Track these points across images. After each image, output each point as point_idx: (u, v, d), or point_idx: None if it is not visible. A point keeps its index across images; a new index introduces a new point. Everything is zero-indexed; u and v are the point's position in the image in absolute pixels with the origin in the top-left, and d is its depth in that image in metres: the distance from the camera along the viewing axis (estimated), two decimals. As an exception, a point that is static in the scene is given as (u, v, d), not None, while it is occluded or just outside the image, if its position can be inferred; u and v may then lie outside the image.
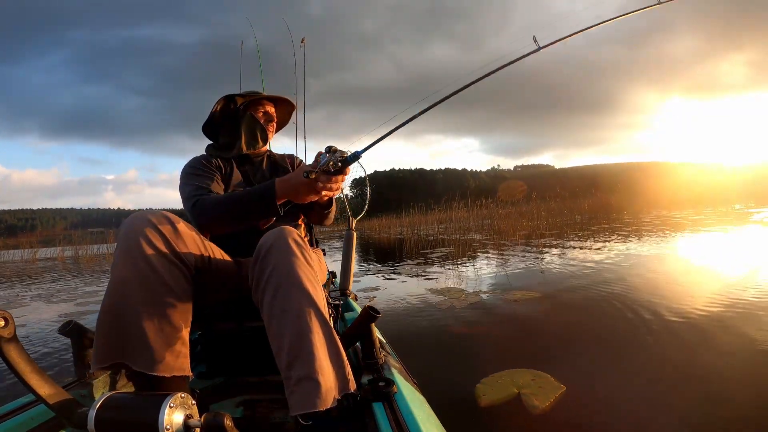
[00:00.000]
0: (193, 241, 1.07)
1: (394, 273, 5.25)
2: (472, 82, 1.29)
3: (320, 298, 0.99)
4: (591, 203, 14.56)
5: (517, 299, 3.06)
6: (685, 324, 2.16)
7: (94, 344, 0.92)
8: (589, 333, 2.22)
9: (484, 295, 3.32)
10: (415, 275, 4.85)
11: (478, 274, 4.51)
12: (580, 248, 5.78)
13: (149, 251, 0.95)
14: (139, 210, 1.07)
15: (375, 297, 3.80)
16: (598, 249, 5.46)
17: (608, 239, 6.53)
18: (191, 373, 0.99)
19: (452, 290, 3.68)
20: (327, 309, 1.00)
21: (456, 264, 5.49)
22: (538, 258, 5.27)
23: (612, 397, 1.47)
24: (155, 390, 0.91)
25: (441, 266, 5.42)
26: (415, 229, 16.61)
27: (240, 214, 1.20)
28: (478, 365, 1.80)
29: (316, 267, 1.07)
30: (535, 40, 1.36)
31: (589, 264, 4.34)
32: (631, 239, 6.18)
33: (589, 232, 8.21)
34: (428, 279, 4.47)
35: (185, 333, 0.99)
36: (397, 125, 1.26)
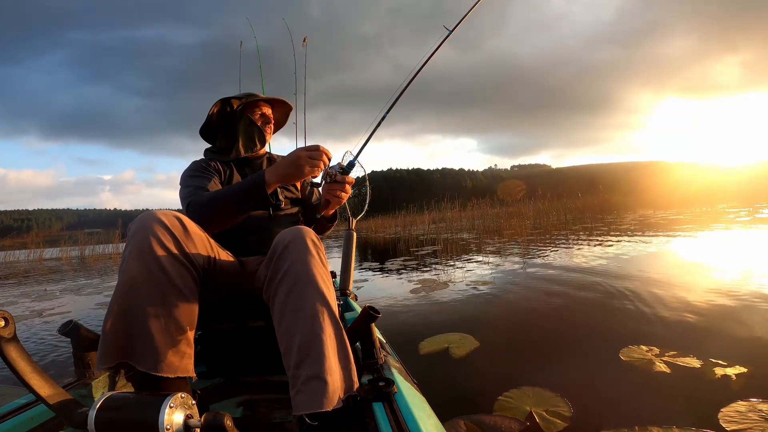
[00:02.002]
0: (201, 242, 1.07)
1: (383, 267, 5.87)
2: (415, 75, 1.47)
3: (333, 299, 0.99)
4: (579, 204, 15.03)
5: (476, 286, 3.75)
6: (588, 305, 2.82)
7: (100, 343, 0.91)
8: (514, 308, 2.93)
9: (450, 283, 4.04)
10: (400, 269, 5.52)
11: (454, 267, 5.17)
12: (551, 247, 6.33)
13: (160, 252, 0.95)
14: (147, 210, 1.06)
15: (362, 287, 4.31)
16: (566, 248, 6.05)
17: (581, 239, 7.07)
18: (194, 374, 0.99)
19: (427, 280, 4.35)
20: (338, 310, 1.00)
21: (438, 260, 6.14)
22: (510, 255, 5.91)
23: (510, 348, 2.14)
24: (157, 390, 0.91)
25: (424, 261, 6.09)
26: (409, 229, 16.94)
27: (233, 207, 1.19)
28: (426, 329, 2.45)
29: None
30: (446, 27, 1.57)
31: (547, 260, 5.02)
32: (599, 239, 6.75)
33: (569, 231, 8.75)
34: (410, 272, 5.16)
35: (190, 334, 0.99)
36: (378, 122, 1.39)
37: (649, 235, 6.48)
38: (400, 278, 4.70)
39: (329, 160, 1.16)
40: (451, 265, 5.32)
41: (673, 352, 1.82)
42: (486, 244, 7.72)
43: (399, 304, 3.28)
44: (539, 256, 5.34)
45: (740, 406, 1.34)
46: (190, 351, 0.98)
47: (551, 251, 5.76)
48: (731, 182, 16.33)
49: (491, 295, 3.34)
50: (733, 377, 1.57)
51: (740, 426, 1.24)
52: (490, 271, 4.58)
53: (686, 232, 6.48)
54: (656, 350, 1.86)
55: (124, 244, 1.01)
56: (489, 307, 2.98)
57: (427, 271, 5.07)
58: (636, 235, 6.64)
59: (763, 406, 1.32)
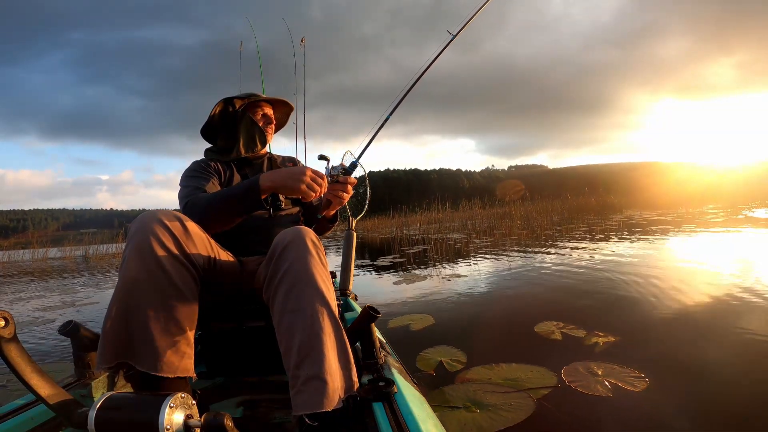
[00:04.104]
0: (201, 242, 1.06)
1: (374, 264, 6.36)
2: (418, 78, 1.52)
3: (333, 299, 0.99)
4: (569, 205, 15.46)
5: (449, 278, 4.25)
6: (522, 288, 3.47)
7: (100, 343, 0.91)
8: (473, 295, 3.37)
9: (428, 277, 4.55)
10: (388, 265, 6.04)
11: (436, 263, 5.68)
12: (529, 246, 6.72)
13: (160, 252, 0.95)
14: (145, 210, 1.06)
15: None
16: (542, 247, 6.44)
17: (560, 239, 7.43)
18: (194, 374, 0.98)
19: (409, 274, 4.92)
20: (338, 310, 1.00)
21: (424, 257, 6.67)
22: (490, 253, 6.35)
23: (454, 324, 2.57)
24: (157, 390, 0.91)
25: (411, 259, 6.65)
26: (404, 230, 17.27)
27: (228, 210, 1.18)
28: (397, 311, 2.96)
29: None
30: (449, 32, 1.62)
31: (519, 257, 5.51)
32: (576, 239, 7.15)
33: (553, 231, 9.20)
34: (397, 267, 5.69)
35: (190, 334, 0.98)
36: (381, 124, 1.43)
37: (619, 236, 6.81)
38: (387, 273, 5.26)
39: (321, 194, 1.18)
40: (433, 262, 5.89)
41: (572, 326, 2.25)
42: (472, 244, 8.15)
43: (381, 293, 3.88)
44: (514, 254, 5.85)
45: (580, 364, 1.72)
46: (190, 351, 0.97)
47: (527, 250, 6.19)
48: (725, 183, 16.55)
49: (460, 285, 3.85)
50: (600, 344, 1.98)
51: (572, 378, 1.60)
52: (466, 267, 5.06)
53: (652, 233, 6.80)
54: (561, 324, 2.30)
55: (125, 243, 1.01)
56: (453, 294, 3.49)
57: (411, 266, 5.67)
58: (609, 236, 7.00)
59: (594, 366, 1.69)
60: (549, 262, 4.71)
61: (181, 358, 0.94)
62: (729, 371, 1.61)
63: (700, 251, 4.68)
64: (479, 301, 3.16)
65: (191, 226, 1.04)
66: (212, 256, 1.11)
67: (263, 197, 1.16)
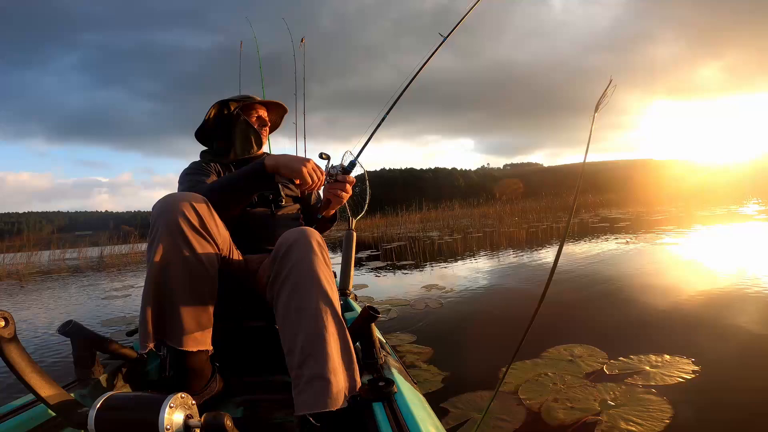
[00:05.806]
0: (222, 225, 1.12)
1: (361, 262, 7.07)
2: (412, 79, 1.55)
3: (336, 299, 1.00)
4: (559, 203, 16.32)
5: (437, 280, 4.67)
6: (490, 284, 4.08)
7: (140, 325, 0.97)
8: (445, 286, 3.96)
9: (399, 269, 5.32)
10: (364, 258, 6.94)
11: (407, 256, 6.53)
12: (494, 241, 7.62)
13: (186, 229, 0.99)
14: (140, 212, 1.08)
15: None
16: (504, 242, 7.32)
17: (529, 236, 8.24)
18: (211, 348, 1.05)
19: (378, 266, 5.71)
20: (341, 310, 1.01)
21: (398, 252, 7.50)
22: (459, 248, 7.18)
23: (430, 315, 3.01)
24: (184, 365, 0.98)
25: (385, 253, 7.50)
26: (390, 229, 17.92)
27: (234, 192, 1.19)
28: (381, 303, 3.44)
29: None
30: (440, 34, 1.64)
31: (480, 247, 6.55)
32: (541, 235, 7.97)
33: (525, 229, 10.04)
34: (371, 260, 6.57)
35: (211, 309, 1.04)
36: (377, 124, 1.46)
37: (591, 237, 7.21)
38: (363, 265, 6.00)
39: (317, 188, 1.22)
40: (405, 255, 6.69)
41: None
42: (448, 239, 9.02)
43: (371, 287, 4.48)
44: (488, 251, 6.51)
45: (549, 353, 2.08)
46: (210, 324, 1.04)
47: (510, 247, 6.80)
48: (715, 180, 16.83)
49: (437, 275, 4.45)
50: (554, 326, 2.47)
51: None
52: (442, 258, 5.83)
53: (617, 232, 7.41)
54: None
55: (149, 228, 1.03)
56: (431, 285, 4.06)
57: (382, 258, 6.53)
58: (578, 236, 7.49)
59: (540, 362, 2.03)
60: (511, 256, 5.53)
61: (203, 332, 1.01)
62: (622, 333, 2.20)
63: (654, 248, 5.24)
64: (446, 290, 3.78)
65: (212, 208, 1.08)
66: (229, 240, 1.16)
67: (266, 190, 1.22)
